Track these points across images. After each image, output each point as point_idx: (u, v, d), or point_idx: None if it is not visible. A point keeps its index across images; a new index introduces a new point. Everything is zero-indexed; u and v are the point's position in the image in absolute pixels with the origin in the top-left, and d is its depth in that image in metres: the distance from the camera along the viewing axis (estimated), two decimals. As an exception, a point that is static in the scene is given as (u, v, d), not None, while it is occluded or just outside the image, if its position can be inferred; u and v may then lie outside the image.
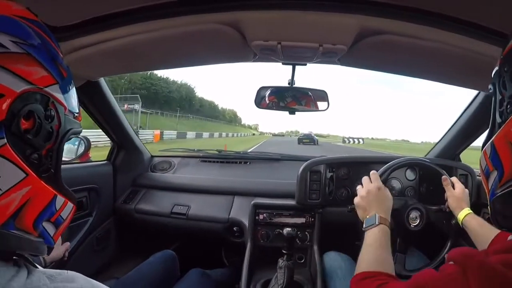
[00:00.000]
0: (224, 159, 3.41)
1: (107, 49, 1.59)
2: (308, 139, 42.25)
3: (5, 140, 0.62)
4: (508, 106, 0.79)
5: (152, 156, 3.36)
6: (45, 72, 0.72)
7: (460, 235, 1.84)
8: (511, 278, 0.71)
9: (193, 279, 2.17)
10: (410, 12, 1.25)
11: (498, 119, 0.83)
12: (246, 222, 2.45)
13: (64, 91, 0.78)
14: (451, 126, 2.61)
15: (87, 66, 1.84)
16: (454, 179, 1.87)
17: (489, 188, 0.87)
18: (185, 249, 3.04)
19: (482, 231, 1.57)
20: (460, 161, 2.68)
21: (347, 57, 1.66)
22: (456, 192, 1.80)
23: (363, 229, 1.55)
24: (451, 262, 0.87)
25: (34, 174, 0.69)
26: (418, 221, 1.81)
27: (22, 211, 0.67)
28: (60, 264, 1.80)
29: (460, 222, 1.71)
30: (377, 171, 1.84)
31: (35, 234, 0.73)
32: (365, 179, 1.77)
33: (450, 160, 2.58)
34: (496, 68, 0.88)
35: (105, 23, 1.39)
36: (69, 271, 0.75)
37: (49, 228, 0.77)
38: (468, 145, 2.60)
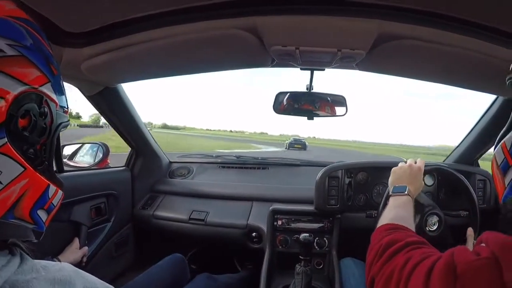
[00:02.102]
0: (242, 164, 3.41)
1: (125, 55, 1.59)
2: (300, 145, 42.67)
3: (5, 140, 0.66)
4: None
5: (171, 162, 3.37)
6: (38, 72, 0.75)
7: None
8: None
9: (199, 282, 2.18)
10: (429, 17, 1.24)
11: None
12: (264, 228, 2.44)
13: (55, 88, 0.82)
14: (470, 131, 2.59)
15: (105, 72, 1.85)
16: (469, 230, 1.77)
17: (505, 185, 0.83)
18: (202, 255, 3.05)
19: None
20: (479, 166, 2.66)
21: (365, 62, 1.66)
22: None
23: (389, 194, 1.56)
24: (483, 244, 0.83)
25: (31, 168, 0.73)
26: (436, 226, 1.79)
27: (20, 201, 0.71)
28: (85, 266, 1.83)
29: None
30: None
31: (31, 221, 0.77)
32: (410, 159, 1.78)
33: (468, 165, 2.56)
34: None
35: (123, 29, 1.40)
36: (62, 263, 0.78)
37: (43, 215, 0.81)
38: (487, 150, 2.57)
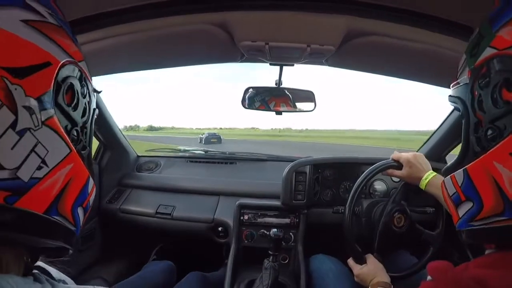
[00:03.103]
0: (210, 159, 3.41)
1: (95, 49, 1.57)
2: (215, 138, 44.41)
3: (53, 112, 0.60)
4: (489, 132, 0.71)
5: (138, 156, 3.34)
6: (76, 48, 0.71)
7: (444, 241, 1.86)
8: None
9: (192, 282, 2.15)
10: (399, 14, 1.26)
11: (475, 147, 0.76)
12: (231, 222, 2.45)
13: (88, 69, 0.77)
14: (439, 127, 2.63)
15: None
16: (394, 156, 1.84)
17: (459, 216, 0.82)
18: (170, 250, 3.04)
19: None
20: (446, 163, 2.67)
21: (334, 58, 1.68)
22: (404, 171, 1.76)
23: None
24: (429, 277, 0.85)
25: (75, 151, 0.67)
26: (402, 223, 1.81)
27: (64, 193, 0.64)
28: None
29: (424, 188, 1.67)
30: (362, 172, 1.86)
31: (72, 221, 0.69)
32: (349, 262, 1.82)
33: (436, 162, 2.60)
34: (465, 82, 0.80)
35: (93, 23, 1.38)
36: (95, 287, 0.74)
37: (81, 215, 0.74)
38: (455, 146, 2.59)
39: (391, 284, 1.55)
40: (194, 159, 3.38)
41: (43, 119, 0.57)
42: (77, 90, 0.68)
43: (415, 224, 1.86)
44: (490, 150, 0.69)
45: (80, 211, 0.71)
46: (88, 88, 0.75)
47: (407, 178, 1.76)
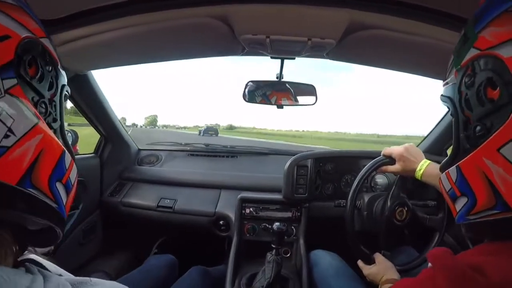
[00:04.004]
0: (211, 152, 3.42)
1: (96, 43, 1.58)
2: (212, 131, 49.98)
3: (16, 81, 0.60)
4: (477, 130, 0.73)
5: (140, 150, 3.35)
6: (36, 25, 0.71)
7: (447, 229, 1.86)
8: (478, 282, 0.69)
9: (194, 276, 2.16)
10: (400, 7, 1.25)
11: (465, 144, 0.78)
12: (232, 216, 2.46)
13: (54, 48, 0.76)
14: (440, 121, 2.63)
15: (76, 60, 1.83)
16: (385, 152, 1.84)
17: (456, 210, 0.84)
18: (171, 244, 3.05)
19: None
20: (447, 156, 2.66)
21: (335, 51, 1.67)
22: (397, 166, 1.76)
23: None
24: (429, 265, 0.86)
25: (44, 122, 0.66)
26: (404, 216, 1.81)
27: (36, 164, 0.62)
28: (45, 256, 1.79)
29: (420, 178, 1.66)
30: (364, 166, 1.86)
31: (51, 196, 0.67)
32: (359, 263, 1.82)
33: (437, 155, 2.59)
34: (452, 82, 0.84)
35: (94, 17, 1.38)
36: (92, 279, 0.73)
37: (62, 192, 0.71)
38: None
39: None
40: (195, 153, 3.39)
41: (5, 88, 0.58)
42: (40, 64, 0.68)
43: (417, 214, 1.86)
44: (479, 147, 0.71)
45: (59, 186, 0.70)
46: (53, 64, 0.74)
47: (402, 172, 1.76)
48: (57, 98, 0.75)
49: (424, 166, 1.64)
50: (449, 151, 2.68)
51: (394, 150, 1.77)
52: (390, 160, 1.79)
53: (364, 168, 1.85)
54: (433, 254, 0.83)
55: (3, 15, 0.60)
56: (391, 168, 1.79)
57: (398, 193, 1.86)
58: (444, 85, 0.90)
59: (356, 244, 1.79)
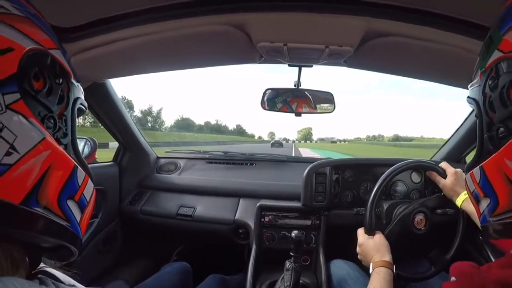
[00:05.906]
0: (229, 160, 3.41)
1: (114, 51, 1.59)
2: (278, 144, 56.84)
3: (18, 95, 0.58)
4: (500, 131, 0.73)
5: (158, 158, 3.35)
6: (46, 36, 0.69)
7: (466, 237, 1.84)
8: None
9: (212, 285, 2.16)
10: (417, 14, 1.25)
11: (488, 145, 0.79)
12: (251, 224, 2.44)
13: (67, 59, 0.75)
14: (458, 128, 2.61)
15: (94, 68, 1.84)
16: (443, 164, 1.88)
17: (480, 211, 0.83)
18: (190, 252, 3.05)
19: None
20: (466, 163, 2.65)
21: (353, 59, 1.67)
22: (447, 181, 1.80)
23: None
24: (452, 278, 0.85)
25: (51, 136, 0.64)
26: (423, 224, 1.80)
27: (44, 181, 0.60)
28: (65, 265, 1.81)
29: (460, 204, 1.70)
30: (382, 173, 1.86)
31: (61, 214, 0.65)
32: (359, 230, 1.82)
33: (455, 162, 2.57)
34: (477, 84, 0.85)
35: (112, 25, 1.39)
36: None
37: (75, 210, 0.69)
38: (474, 147, 2.57)
39: (393, 264, 1.55)
40: (213, 160, 3.38)
41: (7, 103, 0.56)
42: (48, 76, 0.67)
43: (436, 225, 1.85)
44: (501, 148, 0.71)
45: (71, 204, 0.68)
46: (64, 76, 0.73)
47: (447, 189, 1.79)
48: (68, 112, 0.74)
49: (462, 199, 1.70)
50: (467, 159, 2.66)
51: (450, 167, 1.84)
52: (443, 172, 1.84)
53: (414, 159, 1.92)
54: (458, 268, 0.82)
55: (6, 27, 0.59)
56: (440, 179, 1.84)
57: (427, 205, 1.86)
58: (470, 87, 0.89)
59: (371, 211, 1.79)
